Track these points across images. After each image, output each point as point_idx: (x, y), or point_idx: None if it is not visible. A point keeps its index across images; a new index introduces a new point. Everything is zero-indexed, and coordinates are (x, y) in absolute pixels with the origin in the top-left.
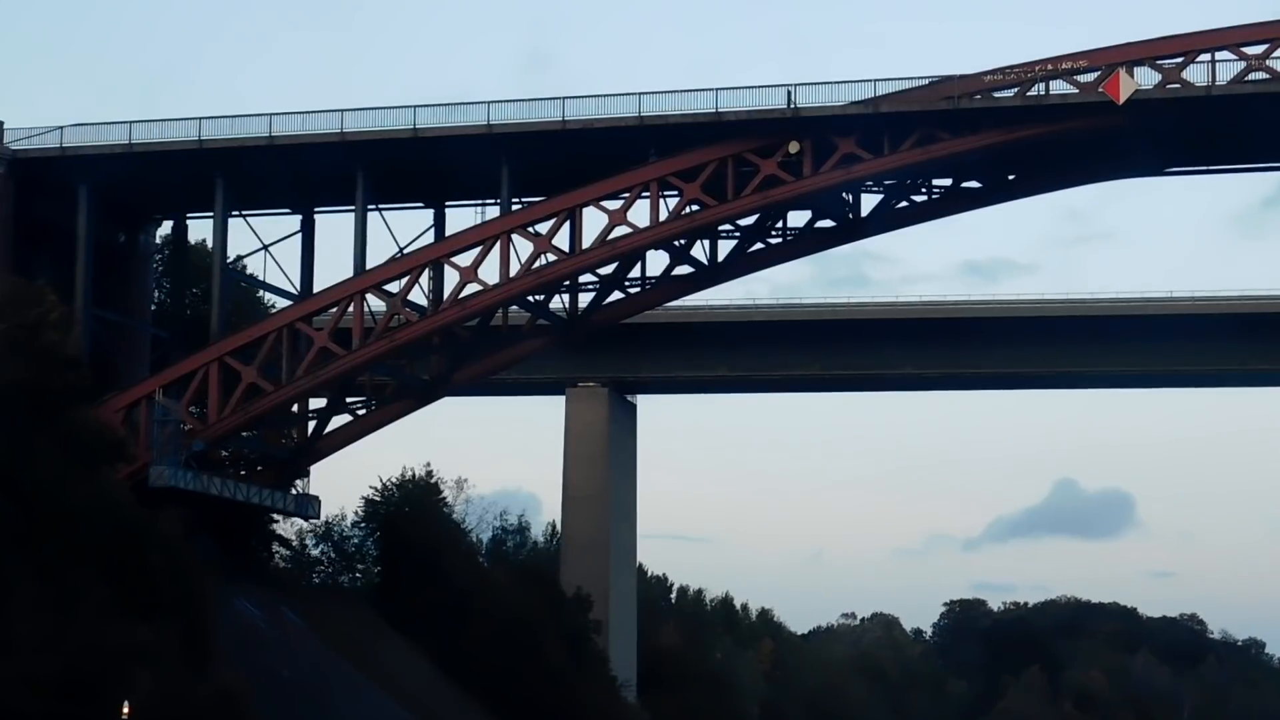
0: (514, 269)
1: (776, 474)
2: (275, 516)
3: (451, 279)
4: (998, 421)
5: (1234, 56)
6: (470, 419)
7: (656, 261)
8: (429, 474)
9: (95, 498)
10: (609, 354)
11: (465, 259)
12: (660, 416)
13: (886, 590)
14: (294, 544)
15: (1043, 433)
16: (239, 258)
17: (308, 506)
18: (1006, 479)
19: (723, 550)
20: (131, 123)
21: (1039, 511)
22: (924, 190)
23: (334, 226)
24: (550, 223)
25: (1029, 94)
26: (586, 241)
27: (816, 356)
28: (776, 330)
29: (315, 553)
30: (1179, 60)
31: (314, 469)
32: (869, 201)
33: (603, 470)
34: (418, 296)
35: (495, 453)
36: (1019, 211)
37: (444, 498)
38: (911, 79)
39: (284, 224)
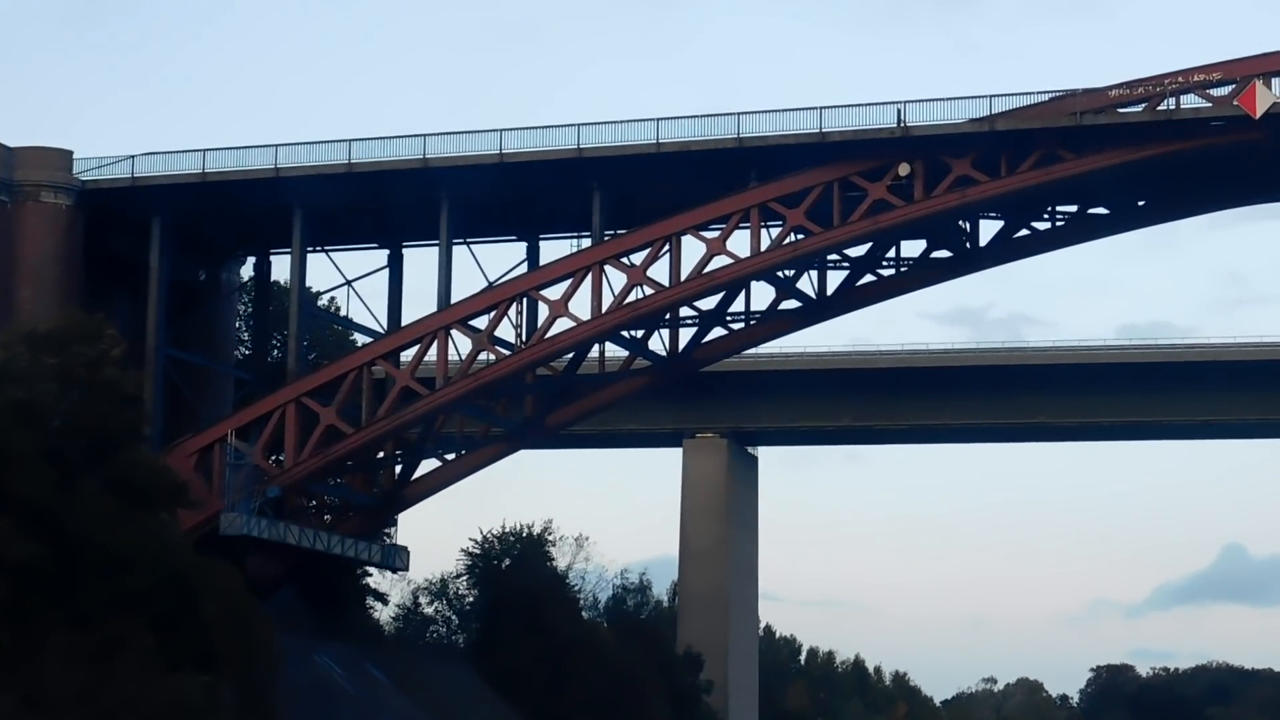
0: (607, 302)
1: (930, 531)
2: (370, 570)
3: (543, 316)
4: (1166, 480)
5: None
6: (590, 471)
7: (761, 295)
8: (543, 527)
9: (145, 543)
10: (727, 403)
11: (555, 292)
12: (810, 475)
13: (1041, 657)
14: (388, 598)
15: (1212, 493)
16: (319, 294)
17: (395, 558)
18: (1173, 542)
19: (877, 618)
20: (205, 150)
21: (1205, 577)
22: (1047, 217)
23: (425, 263)
24: (645, 253)
25: (1158, 109)
26: (684, 273)
27: (946, 404)
28: (903, 377)
29: (411, 607)
30: None
31: (427, 521)
32: (988, 230)
33: (721, 525)
34: (508, 333)
35: (619, 508)
36: (1178, 274)
37: (549, 551)
38: (1030, 94)
39: (374, 260)
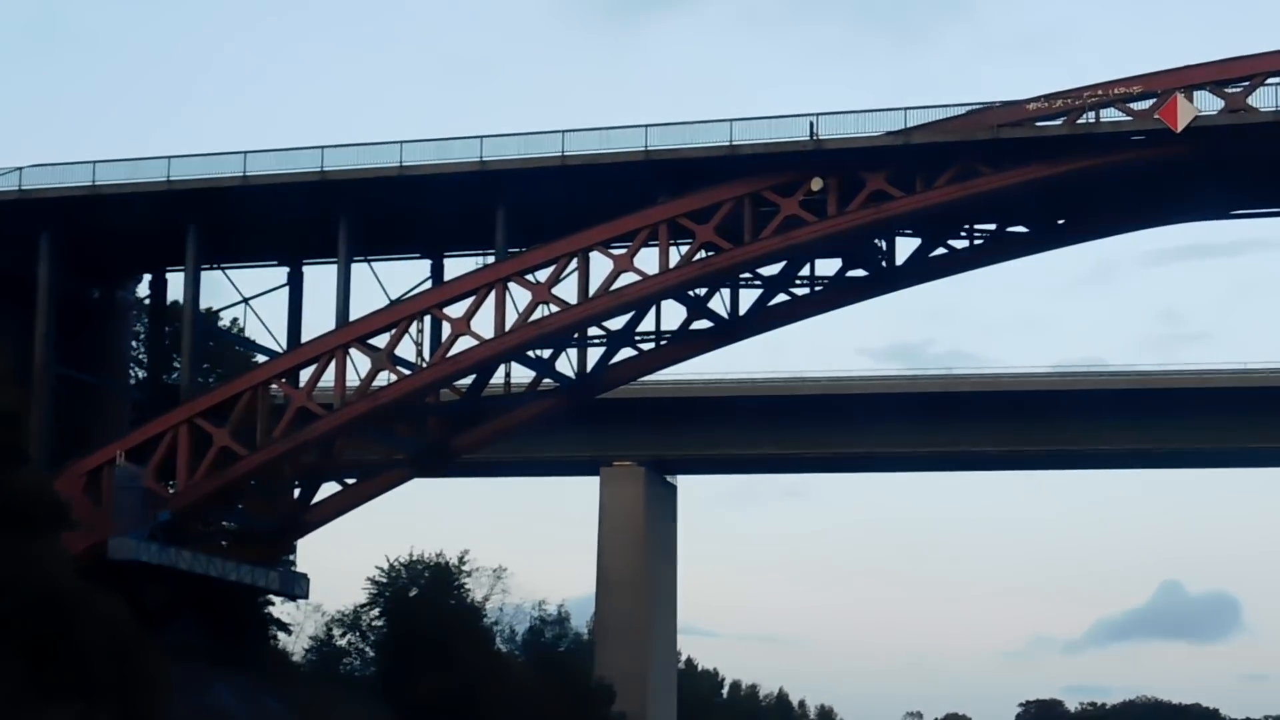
0: (511, 321)
1: (872, 565)
2: (273, 599)
3: (446, 335)
4: (1106, 513)
5: None
6: (511, 500)
7: (673, 316)
8: (459, 557)
9: (17, 566)
10: (647, 431)
11: (458, 311)
12: (749, 509)
13: (976, 692)
14: (291, 628)
15: (1151, 527)
16: (217, 312)
17: (295, 585)
18: (1112, 578)
19: (814, 653)
20: (96, 163)
21: (1143, 614)
22: (964, 235)
23: (330, 281)
24: (550, 270)
25: (1077, 123)
26: (592, 291)
27: (871, 432)
28: (826, 405)
29: (324, 639)
30: (1245, 85)
31: (344, 549)
32: (905, 249)
33: (640, 555)
34: (411, 353)
35: (541, 538)
36: (1115, 311)
37: (464, 582)
38: (946, 107)
39: (276, 278)
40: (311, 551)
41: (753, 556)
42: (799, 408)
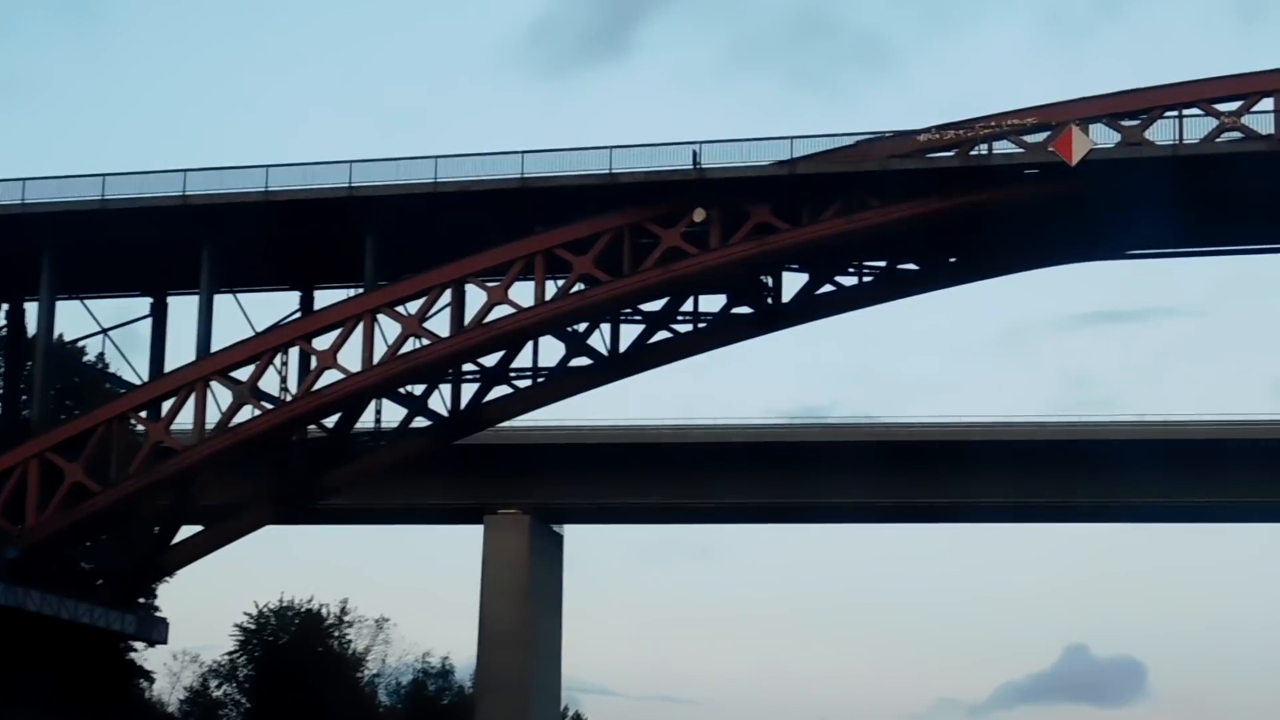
0: (380, 354)
1: (781, 625)
2: (135, 645)
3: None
4: (1009, 576)
5: (1203, 113)
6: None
7: (553, 353)
8: (340, 606)
9: None
10: (531, 478)
11: (326, 342)
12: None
13: None
14: (153, 675)
15: (1057, 589)
16: (75, 343)
17: (153, 630)
18: (1018, 640)
19: (717, 715)
20: None
21: (1048, 677)
22: (853, 271)
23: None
24: (422, 301)
25: (970, 155)
26: (466, 324)
27: (758, 481)
28: (717, 454)
29: (199, 689)
30: (1141, 118)
31: (220, 595)
32: (793, 285)
33: (523, 606)
34: (276, 388)
35: (423, 588)
36: (1025, 375)
37: (344, 631)
38: (835, 136)
39: (140, 308)
40: (189, 598)
41: (657, 614)
42: (691, 457)
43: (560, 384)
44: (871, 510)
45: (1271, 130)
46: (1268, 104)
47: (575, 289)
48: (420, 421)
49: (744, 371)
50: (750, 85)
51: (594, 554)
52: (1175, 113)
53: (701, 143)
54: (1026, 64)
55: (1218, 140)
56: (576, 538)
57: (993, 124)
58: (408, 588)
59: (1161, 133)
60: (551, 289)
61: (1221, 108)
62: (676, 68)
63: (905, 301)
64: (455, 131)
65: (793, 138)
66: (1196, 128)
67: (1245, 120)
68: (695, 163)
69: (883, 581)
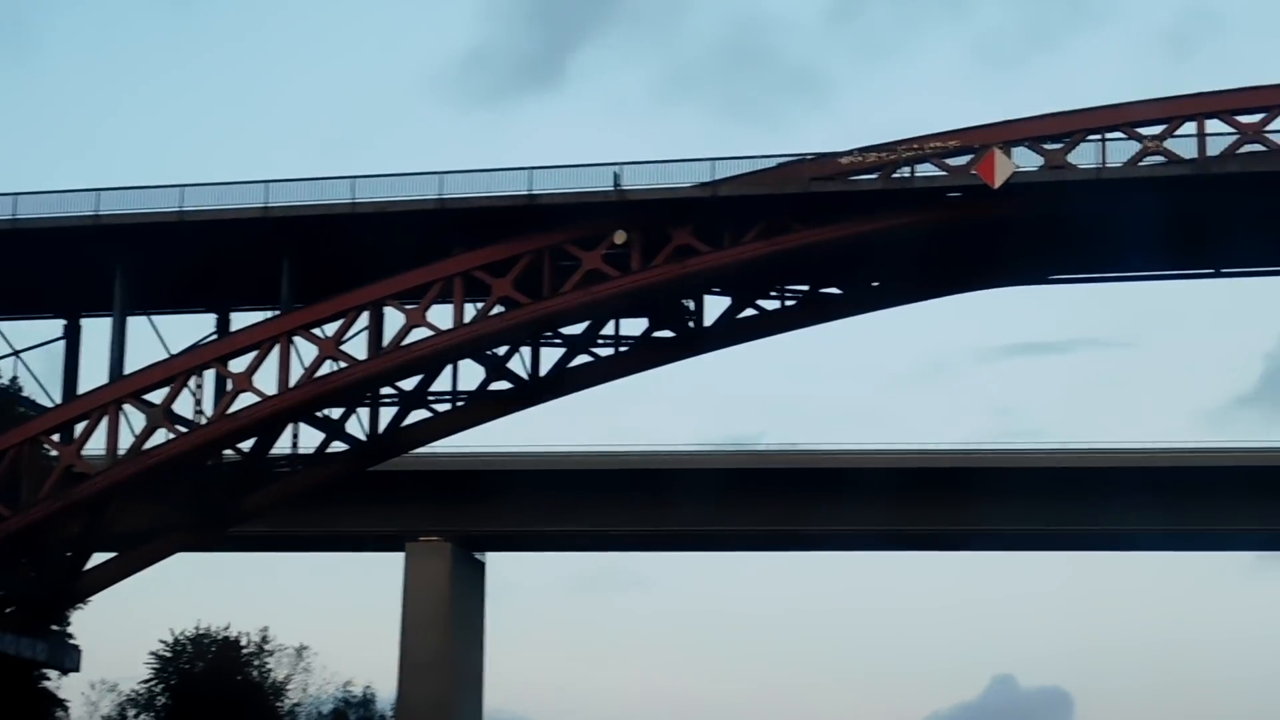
0: (296, 377)
1: (702, 658)
2: (49, 673)
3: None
4: (939, 601)
5: (1126, 137)
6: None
7: (473, 377)
8: (260, 634)
9: None
10: (455, 505)
11: (242, 365)
12: (586, 598)
13: None
14: (68, 703)
15: (983, 617)
16: None
17: (65, 657)
18: (944, 670)
19: None
20: None
21: (974, 708)
22: (776, 295)
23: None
24: (339, 323)
25: (892, 177)
26: (384, 346)
27: (699, 510)
28: (649, 480)
29: (106, 718)
30: (1064, 141)
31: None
32: (715, 309)
33: (445, 635)
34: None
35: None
36: (949, 406)
37: (260, 659)
38: (756, 158)
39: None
40: (107, 626)
41: (583, 643)
42: (616, 483)
43: (480, 408)
44: (794, 538)
45: (1195, 154)
46: (1191, 128)
47: (494, 311)
48: (338, 446)
49: (672, 399)
50: (683, 115)
51: (522, 582)
52: (1099, 136)
53: (623, 164)
54: (959, 96)
55: (1140, 164)
56: (504, 566)
57: (915, 146)
58: (329, 615)
59: (1085, 156)
60: (471, 311)
61: (1145, 132)
62: (609, 97)
63: (832, 333)
64: (384, 158)
65: (715, 159)
66: (1120, 151)
67: (1168, 144)
68: (616, 184)
69: (811, 612)
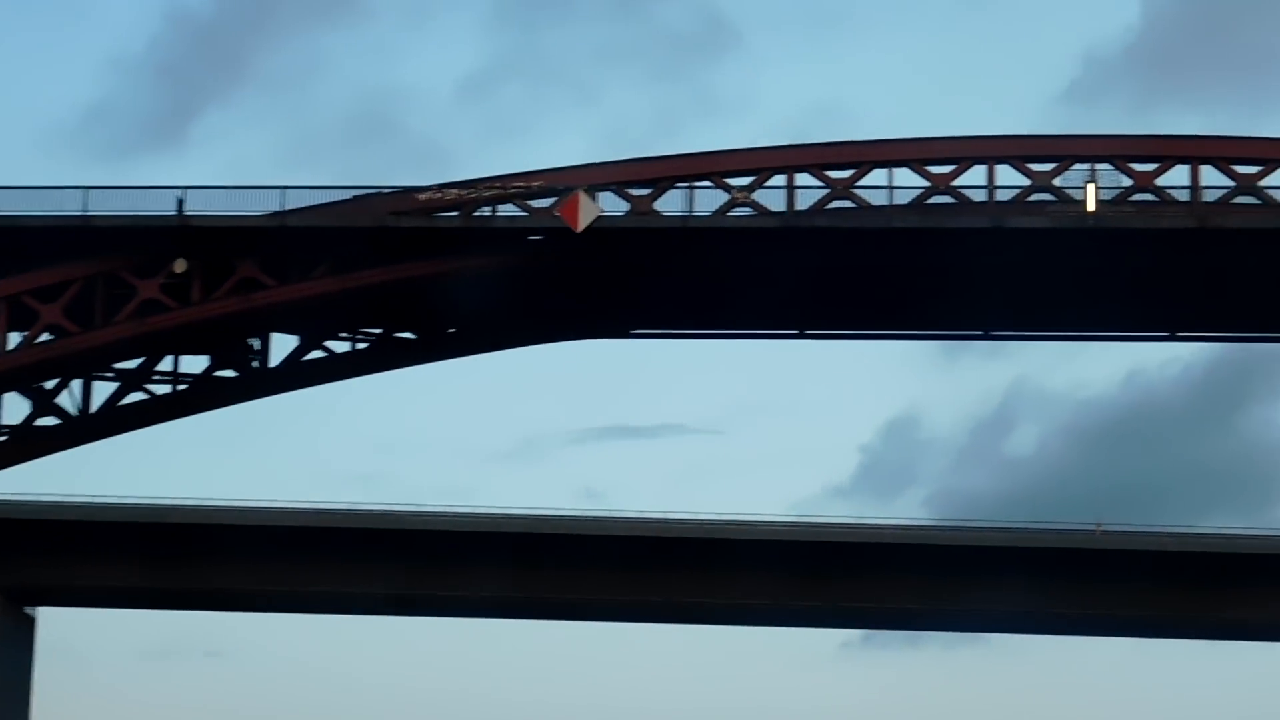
0: None
1: None
2: None
3: None
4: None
5: (714, 185)
6: None
7: (18, 411)
8: None
9: None
10: (6, 555)
11: None
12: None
13: None
14: None
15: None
16: None
17: None
18: None
19: None
20: None
21: None
22: (348, 338)
23: None
24: None
25: (473, 216)
26: None
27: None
28: (217, 537)
29: None
30: (652, 189)
31: None
32: (282, 349)
33: None
34: None
35: None
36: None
37: None
38: (333, 189)
39: None
40: None
41: (148, 709)
42: (176, 537)
43: (22, 446)
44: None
45: (784, 207)
46: (781, 180)
47: (41, 339)
48: None
49: (255, 461)
50: (303, 182)
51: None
52: (686, 184)
53: (187, 188)
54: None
55: (728, 214)
56: (67, 627)
57: (498, 185)
58: None
59: (672, 203)
60: (16, 340)
61: (733, 182)
62: (231, 162)
63: (427, 406)
64: None
65: (286, 188)
66: (708, 200)
67: (756, 196)
68: (179, 210)
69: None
